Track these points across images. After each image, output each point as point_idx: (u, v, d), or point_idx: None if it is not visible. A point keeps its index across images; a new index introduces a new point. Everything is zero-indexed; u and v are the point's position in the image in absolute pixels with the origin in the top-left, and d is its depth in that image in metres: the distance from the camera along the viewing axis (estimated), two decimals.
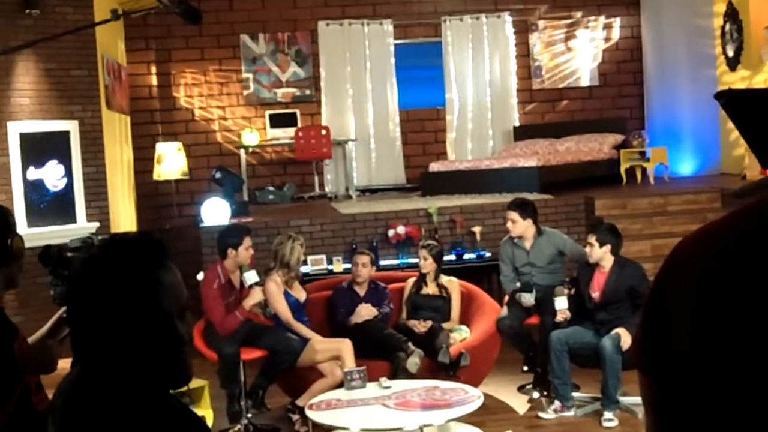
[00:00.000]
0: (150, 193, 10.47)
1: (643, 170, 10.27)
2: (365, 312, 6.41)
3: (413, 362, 5.85)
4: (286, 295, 6.28)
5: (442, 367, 5.92)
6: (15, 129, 7.81)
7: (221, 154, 10.93)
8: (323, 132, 10.55)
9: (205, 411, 5.91)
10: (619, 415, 5.84)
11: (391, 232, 8.17)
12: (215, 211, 8.23)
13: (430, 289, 6.67)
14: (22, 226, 7.33)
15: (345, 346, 5.96)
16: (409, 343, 6.00)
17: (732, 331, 0.71)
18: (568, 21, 11.79)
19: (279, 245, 6.37)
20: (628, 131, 11.00)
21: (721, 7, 9.74)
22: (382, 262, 7.81)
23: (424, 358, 5.93)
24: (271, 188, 10.69)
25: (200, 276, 6.43)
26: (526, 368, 6.69)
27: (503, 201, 7.71)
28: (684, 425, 0.77)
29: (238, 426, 6.01)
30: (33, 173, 7.94)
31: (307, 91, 11.34)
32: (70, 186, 8.21)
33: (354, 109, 11.37)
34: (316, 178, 10.91)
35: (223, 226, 7.24)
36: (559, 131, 11.14)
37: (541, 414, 6.06)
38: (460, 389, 5.47)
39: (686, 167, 10.64)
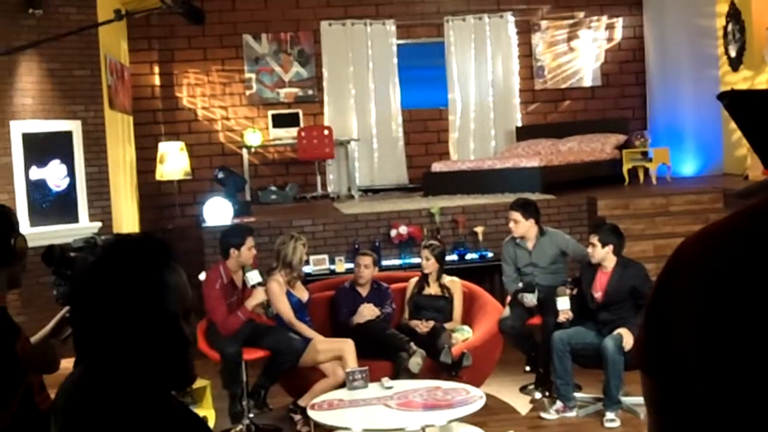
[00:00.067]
0: (152, 193, 10.47)
1: (646, 170, 10.27)
2: (367, 312, 6.41)
3: (415, 362, 5.85)
4: (289, 295, 6.28)
5: (444, 367, 5.92)
6: (18, 129, 7.82)
7: (224, 154, 10.93)
8: (326, 132, 10.56)
9: (207, 411, 5.91)
10: (621, 415, 5.84)
11: (393, 232, 8.18)
12: (218, 211, 8.23)
13: (433, 289, 6.67)
14: (24, 225, 7.34)
15: (347, 346, 5.96)
16: (411, 344, 6.00)
17: (735, 331, 0.71)
18: (571, 21, 11.79)
19: (281, 245, 6.38)
20: (630, 131, 11.00)
21: (723, 8, 9.73)
22: (385, 262, 7.81)
23: (426, 358, 5.93)
24: (273, 188, 10.69)
25: (202, 276, 6.43)
26: (528, 368, 6.68)
27: (505, 201, 7.71)
28: (686, 425, 0.77)
29: (240, 426, 6.01)
30: (36, 173, 7.95)
31: (310, 91, 11.35)
32: (72, 186, 8.22)
33: (356, 109, 11.37)
34: (319, 178, 10.92)
35: (226, 226, 7.24)
36: (561, 131, 11.14)
37: (543, 414, 6.06)
38: (462, 389, 5.47)
39: (688, 167, 10.64)
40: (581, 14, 11.79)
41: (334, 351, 5.97)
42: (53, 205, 8.05)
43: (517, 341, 6.53)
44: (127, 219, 9.47)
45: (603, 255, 6.03)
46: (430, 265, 6.63)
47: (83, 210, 8.29)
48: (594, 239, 6.09)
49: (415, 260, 7.62)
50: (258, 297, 5.91)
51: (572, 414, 5.99)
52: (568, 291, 6.17)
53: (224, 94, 11.16)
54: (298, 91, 11.32)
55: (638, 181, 10.28)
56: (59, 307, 2.89)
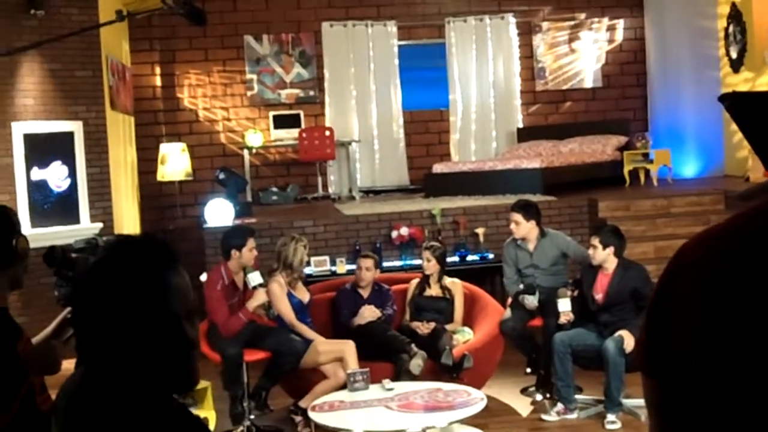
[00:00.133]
0: (153, 194, 10.48)
1: (647, 172, 10.27)
2: (368, 314, 6.41)
3: (416, 364, 5.85)
4: (290, 296, 6.28)
5: (445, 368, 5.92)
6: (19, 129, 7.82)
7: (225, 155, 10.94)
8: (327, 133, 10.56)
9: (207, 412, 5.91)
10: (622, 417, 5.83)
11: (394, 234, 8.18)
12: (219, 212, 8.24)
13: (434, 290, 6.67)
14: (25, 226, 7.33)
15: (348, 348, 5.96)
16: (412, 345, 6.00)
17: (737, 333, 0.72)
18: (572, 23, 11.79)
19: (282, 246, 6.38)
20: (631, 133, 11.00)
21: (724, 9, 9.73)
22: (386, 264, 7.81)
23: (427, 359, 5.92)
24: (274, 189, 10.70)
25: (203, 277, 6.43)
26: (529, 370, 6.68)
27: (506, 202, 7.71)
28: (688, 427, 0.77)
29: (241, 427, 6.01)
30: (37, 174, 7.95)
31: (311, 92, 11.35)
32: (73, 186, 8.22)
33: (358, 111, 11.38)
34: (320, 179, 10.92)
35: (227, 227, 7.25)
36: (562, 133, 11.14)
37: (543, 416, 6.06)
38: (463, 391, 5.47)
39: (689, 169, 10.63)
40: (582, 15, 11.79)
41: (335, 352, 5.97)
42: (54, 206, 8.06)
43: (518, 343, 6.53)
44: (128, 220, 9.47)
45: (604, 257, 6.03)
46: (431, 267, 6.63)
47: (84, 211, 8.29)
48: (595, 241, 6.09)
49: (416, 261, 7.62)
50: (259, 298, 5.91)
51: (573, 416, 5.99)
52: (569, 292, 6.17)
53: (225, 94, 11.17)
54: (300, 92, 11.32)
55: (639, 182, 10.28)
56: (60, 308, 2.89)
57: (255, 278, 5.90)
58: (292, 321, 6.18)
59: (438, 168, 10.11)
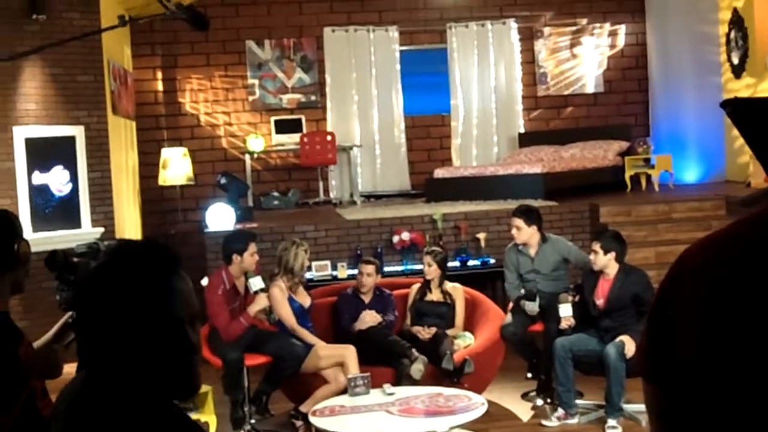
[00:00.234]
0: (155, 199, 10.48)
1: (648, 177, 10.27)
2: (369, 319, 6.40)
3: (417, 369, 5.84)
4: (291, 300, 6.28)
5: (446, 373, 5.91)
6: (21, 134, 7.83)
7: (226, 160, 10.95)
8: (328, 138, 10.57)
9: (208, 417, 5.91)
10: (623, 422, 5.82)
11: (395, 239, 8.18)
12: (220, 217, 8.24)
13: (435, 295, 6.66)
14: (27, 230, 7.31)
15: (349, 353, 5.96)
16: (413, 350, 5.99)
17: (738, 338, 0.72)
18: (574, 28, 11.79)
19: (283, 251, 6.37)
20: (632, 138, 11.00)
21: (726, 15, 9.74)
22: (387, 269, 7.81)
23: (428, 364, 5.92)
24: (275, 194, 10.70)
25: (205, 281, 6.43)
26: (530, 375, 6.67)
27: (508, 207, 7.71)
28: None
29: None
30: (38, 178, 7.96)
31: (313, 97, 11.36)
32: (75, 191, 8.23)
33: (359, 115, 11.38)
34: (321, 184, 10.93)
35: (228, 232, 7.24)
36: (563, 138, 11.15)
37: (544, 421, 6.05)
38: (464, 396, 5.47)
39: (691, 174, 10.63)
40: (584, 21, 11.80)
41: (335, 357, 5.97)
42: (56, 211, 8.06)
43: (519, 348, 6.52)
44: (129, 224, 9.48)
45: (605, 262, 6.02)
46: (432, 272, 6.62)
47: (86, 215, 8.29)
48: (596, 246, 6.08)
49: (418, 266, 7.61)
50: (260, 303, 5.91)
51: (574, 421, 5.98)
52: (570, 298, 6.16)
53: (227, 99, 11.18)
54: (301, 97, 11.33)
55: (640, 187, 10.28)
56: (62, 313, 2.88)
57: (256, 283, 5.89)
58: (293, 326, 6.17)
59: (439, 173, 10.11)
